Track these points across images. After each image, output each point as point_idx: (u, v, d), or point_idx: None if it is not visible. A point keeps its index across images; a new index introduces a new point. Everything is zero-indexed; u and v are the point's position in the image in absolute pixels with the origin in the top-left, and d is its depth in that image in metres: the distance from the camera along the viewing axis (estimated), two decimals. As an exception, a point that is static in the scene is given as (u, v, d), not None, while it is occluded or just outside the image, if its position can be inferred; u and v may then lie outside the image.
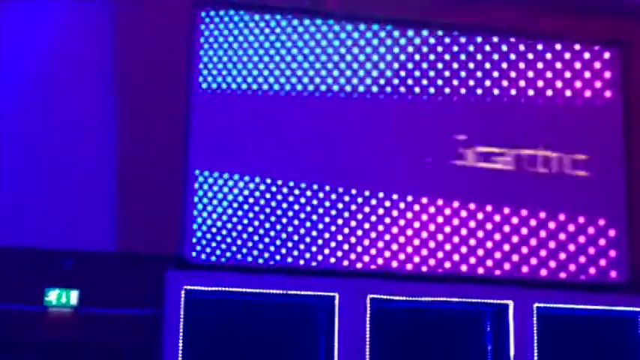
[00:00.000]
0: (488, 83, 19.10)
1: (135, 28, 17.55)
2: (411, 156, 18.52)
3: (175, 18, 17.82)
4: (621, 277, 18.96)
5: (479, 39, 19.25)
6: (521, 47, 19.40)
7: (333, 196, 18.09)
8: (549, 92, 19.32)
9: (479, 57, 19.20)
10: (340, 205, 18.09)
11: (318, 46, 18.62)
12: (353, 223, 18.08)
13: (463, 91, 18.97)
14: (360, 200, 18.18)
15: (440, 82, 18.92)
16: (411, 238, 18.24)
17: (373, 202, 18.21)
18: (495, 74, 19.16)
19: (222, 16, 18.34)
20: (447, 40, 19.11)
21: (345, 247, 17.97)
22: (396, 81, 18.73)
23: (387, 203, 18.25)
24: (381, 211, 18.22)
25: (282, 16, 18.54)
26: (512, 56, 19.32)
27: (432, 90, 18.82)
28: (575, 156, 19.17)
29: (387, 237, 18.15)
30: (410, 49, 18.91)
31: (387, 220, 18.20)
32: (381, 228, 18.16)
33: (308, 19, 18.66)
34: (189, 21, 17.99)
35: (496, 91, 19.09)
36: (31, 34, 17.34)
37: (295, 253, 17.76)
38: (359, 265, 17.96)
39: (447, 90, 18.90)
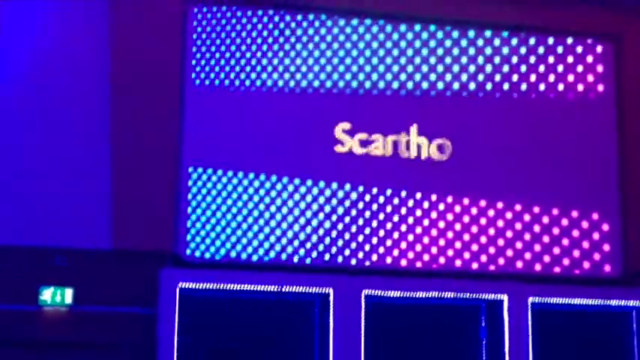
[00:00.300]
0: (481, 77, 19.09)
1: (127, 24, 17.48)
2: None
3: (167, 13, 17.75)
4: (615, 271, 18.99)
5: (471, 33, 19.26)
6: (514, 41, 19.39)
7: (327, 192, 18.08)
8: (542, 86, 19.31)
9: (471, 51, 19.19)
10: (334, 202, 18.09)
11: (311, 41, 18.60)
12: (347, 220, 18.08)
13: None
14: (354, 196, 18.16)
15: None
16: (405, 234, 18.24)
17: (367, 198, 18.20)
18: (488, 69, 19.15)
19: (215, 11, 18.29)
20: (440, 34, 19.11)
21: (340, 243, 17.96)
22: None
23: (381, 199, 18.24)
24: (375, 206, 18.21)
25: (274, 11, 18.48)
26: (505, 50, 19.34)
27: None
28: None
29: (381, 233, 18.15)
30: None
31: (381, 216, 18.19)
32: (374, 224, 18.15)
33: (300, 14, 18.61)
34: (181, 16, 17.93)
35: (489, 86, 19.10)
36: (21, 33, 17.28)
37: (289, 249, 17.76)
38: (353, 262, 17.95)
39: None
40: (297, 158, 18.10)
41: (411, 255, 18.19)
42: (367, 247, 18.04)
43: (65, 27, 17.46)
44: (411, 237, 18.24)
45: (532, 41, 19.46)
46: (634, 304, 18.64)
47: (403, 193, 18.35)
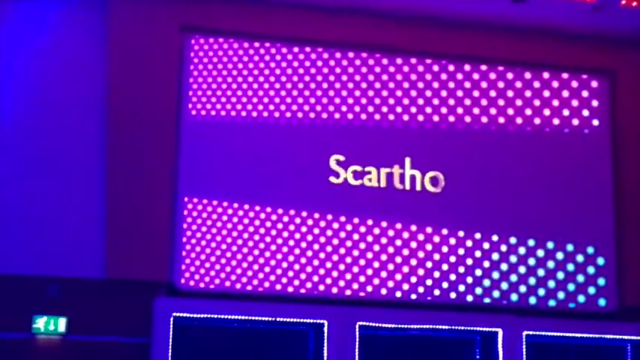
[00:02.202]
0: (476, 111, 19.17)
1: (124, 56, 17.55)
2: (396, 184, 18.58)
3: (164, 45, 17.83)
4: (610, 305, 18.96)
5: (467, 67, 19.37)
6: (509, 75, 19.50)
7: (322, 224, 18.08)
8: (537, 120, 19.39)
9: (467, 85, 19.30)
10: (329, 233, 18.08)
11: (307, 73, 18.68)
12: (342, 251, 18.07)
13: (452, 118, 19.08)
14: (348, 228, 18.16)
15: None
16: (399, 266, 18.22)
17: (362, 229, 18.20)
18: (484, 102, 19.24)
19: (212, 43, 18.37)
20: (436, 67, 19.21)
21: (334, 274, 17.94)
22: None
23: (376, 230, 18.24)
24: (370, 238, 18.20)
25: (270, 43, 18.58)
26: (501, 84, 19.44)
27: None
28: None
29: (376, 264, 18.13)
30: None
31: (376, 248, 18.18)
32: (369, 255, 18.13)
33: (297, 46, 18.71)
34: (177, 48, 18.01)
35: (484, 119, 19.18)
36: (18, 63, 17.39)
37: (284, 280, 17.72)
38: (348, 293, 17.92)
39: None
40: (292, 190, 18.12)
41: (405, 287, 18.16)
42: (362, 279, 18.02)
43: (63, 58, 17.55)
44: (405, 269, 18.22)
45: (527, 75, 19.57)
46: (629, 338, 18.58)
47: (398, 225, 18.36)
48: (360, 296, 17.94)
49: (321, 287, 17.83)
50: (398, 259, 18.23)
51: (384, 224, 18.30)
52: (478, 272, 18.52)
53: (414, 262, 18.29)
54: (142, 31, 17.70)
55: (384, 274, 18.12)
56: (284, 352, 17.52)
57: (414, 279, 18.22)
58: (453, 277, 18.39)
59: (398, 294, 18.10)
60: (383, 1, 18.39)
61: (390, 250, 18.24)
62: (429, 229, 18.48)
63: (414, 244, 18.36)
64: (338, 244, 18.07)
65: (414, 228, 18.41)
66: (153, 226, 17.10)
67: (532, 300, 18.63)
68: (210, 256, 17.48)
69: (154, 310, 16.67)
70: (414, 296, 18.14)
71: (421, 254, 18.35)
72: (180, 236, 17.42)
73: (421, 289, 18.20)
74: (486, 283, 18.51)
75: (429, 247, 18.41)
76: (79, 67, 17.54)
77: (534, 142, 19.34)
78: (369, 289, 18.00)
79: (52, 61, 17.48)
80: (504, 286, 18.57)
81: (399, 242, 18.30)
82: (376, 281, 18.06)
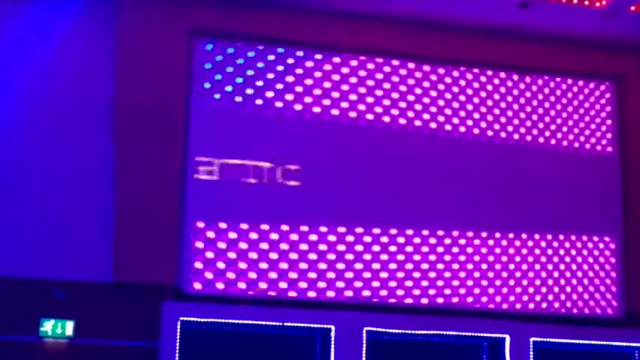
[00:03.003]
0: (476, 116, 19.21)
1: (132, 60, 17.54)
2: (409, 189, 18.54)
3: (172, 49, 17.80)
4: (618, 312, 18.97)
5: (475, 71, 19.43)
6: (515, 78, 19.57)
7: (332, 230, 18.07)
8: (550, 127, 19.47)
9: (469, 91, 19.39)
10: (335, 239, 18.05)
11: (312, 75, 18.69)
12: (349, 257, 18.05)
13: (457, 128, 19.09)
14: (358, 232, 18.14)
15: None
16: (409, 271, 18.22)
17: (370, 236, 18.19)
18: (496, 110, 19.27)
19: (220, 47, 18.33)
20: (441, 71, 19.25)
21: (342, 279, 17.92)
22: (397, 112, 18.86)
23: (384, 238, 18.23)
24: (377, 245, 18.19)
25: (280, 46, 18.55)
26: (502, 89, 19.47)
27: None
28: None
29: (383, 270, 18.12)
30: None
31: (385, 254, 18.17)
32: (377, 261, 18.12)
33: (306, 50, 18.71)
34: (186, 52, 17.97)
35: (496, 127, 19.20)
36: (26, 66, 17.40)
37: (292, 285, 17.69)
38: (355, 298, 17.90)
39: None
40: (301, 196, 18.11)
41: (411, 292, 18.15)
42: (369, 284, 18.00)
43: (70, 62, 17.56)
44: (416, 274, 18.23)
45: (530, 80, 19.62)
46: (636, 345, 18.56)
47: (409, 231, 18.36)
48: (367, 302, 17.93)
49: (329, 293, 17.81)
50: (408, 265, 18.23)
51: (393, 231, 18.28)
52: (486, 279, 18.52)
53: (424, 266, 18.31)
54: (150, 34, 17.69)
55: (391, 279, 18.11)
56: (291, 356, 17.50)
57: (422, 284, 18.22)
58: (459, 283, 18.39)
59: (404, 299, 18.09)
60: (388, 7, 18.39)
61: (400, 257, 18.24)
62: (439, 232, 18.51)
63: (425, 249, 18.40)
64: (345, 250, 18.05)
65: (425, 233, 18.43)
66: (161, 230, 17.08)
67: (540, 306, 18.62)
68: (218, 260, 17.45)
69: (161, 314, 16.66)
70: (417, 301, 18.12)
71: (431, 259, 18.39)
72: (188, 240, 17.39)
73: (430, 295, 18.21)
74: (494, 289, 18.51)
75: (439, 251, 18.48)
76: (87, 72, 17.56)
77: (541, 149, 19.37)
78: (377, 294, 17.99)
79: (59, 65, 17.49)
80: (512, 292, 18.57)
81: (409, 248, 18.31)
82: (383, 287, 18.05)
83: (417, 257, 18.33)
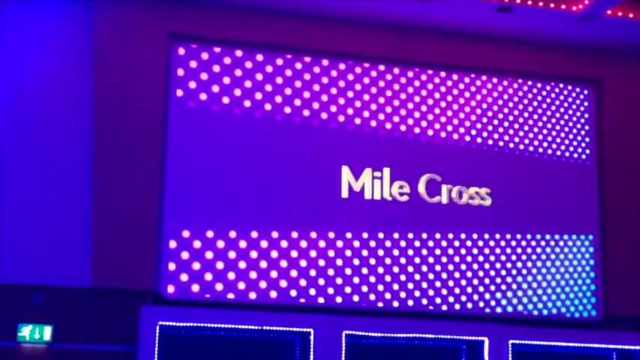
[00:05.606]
0: (456, 122, 19.26)
1: (111, 64, 17.50)
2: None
3: (152, 52, 17.77)
4: (596, 314, 19.04)
5: (455, 76, 19.45)
6: (493, 83, 19.63)
7: (311, 234, 18.08)
8: (529, 131, 19.55)
9: (454, 93, 19.43)
10: (315, 242, 18.06)
11: (302, 81, 18.72)
12: (327, 260, 18.05)
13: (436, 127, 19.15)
14: (331, 237, 18.17)
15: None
16: (385, 275, 18.23)
17: (347, 239, 18.22)
18: (473, 117, 19.33)
19: (200, 50, 18.32)
20: (424, 77, 19.29)
21: (321, 283, 17.93)
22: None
23: (356, 243, 18.26)
24: (355, 247, 18.22)
25: (259, 51, 18.56)
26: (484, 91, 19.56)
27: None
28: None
29: (363, 273, 18.14)
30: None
31: (363, 257, 18.19)
32: (356, 264, 18.15)
33: (287, 54, 18.72)
34: (165, 55, 17.94)
35: (473, 132, 19.27)
36: (5, 75, 17.35)
37: (271, 288, 17.68)
38: (334, 302, 17.91)
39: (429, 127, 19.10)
40: (278, 201, 18.13)
41: (392, 296, 18.18)
42: (348, 288, 18.02)
43: (48, 65, 17.47)
44: (392, 278, 18.24)
45: (507, 84, 19.70)
46: (614, 347, 18.62)
47: (380, 235, 18.40)
48: (347, 305, 17.94)
49: (308, 296, 17.82)
50: (384, 269, 18.25)
51: (364, 235, 18.32)
52: (464, 281, 18.58)
53: (398, 270, 18.33)
54: (130, 38, 17.66)
55: (370, 283, 18.13)
56: (270, 360, 17.56)
57: (400, 288, 18.24)
58: (438, 284, 18.44)
59: (384, 303, 18.11)
60: (371, 11, 18.42)
61: (373, 260, 18.25)
62: (410, 236, 18.54)
63: (396, 253, 18.40)
64: (323, 253, 18.06)
65: (396, 236, 18.44)
66: (139, 235, 17.05)
67: (518, 309, 18.69)
68: (195, 264, 17.42)
69: (139, 318, 16.60)
70: (404, 305, 18.15)
71: (409, 262, 18.41)
72: (166, 245, 17.37)
73: (407, 298, 18.24)
74: (473, 292, 18.56)
75: (415, 255, 18.48)
76: (65, 76, 17.47)
77: (520, 153, 19.46)
78: (356, 298, 18.02)
79: (36, 68, 17.39)
80: (490, 295, 18.63)
81: (381, 252, 18.32)
82: (363, 290, 18.07)
83: (388, 261, 18.33)
